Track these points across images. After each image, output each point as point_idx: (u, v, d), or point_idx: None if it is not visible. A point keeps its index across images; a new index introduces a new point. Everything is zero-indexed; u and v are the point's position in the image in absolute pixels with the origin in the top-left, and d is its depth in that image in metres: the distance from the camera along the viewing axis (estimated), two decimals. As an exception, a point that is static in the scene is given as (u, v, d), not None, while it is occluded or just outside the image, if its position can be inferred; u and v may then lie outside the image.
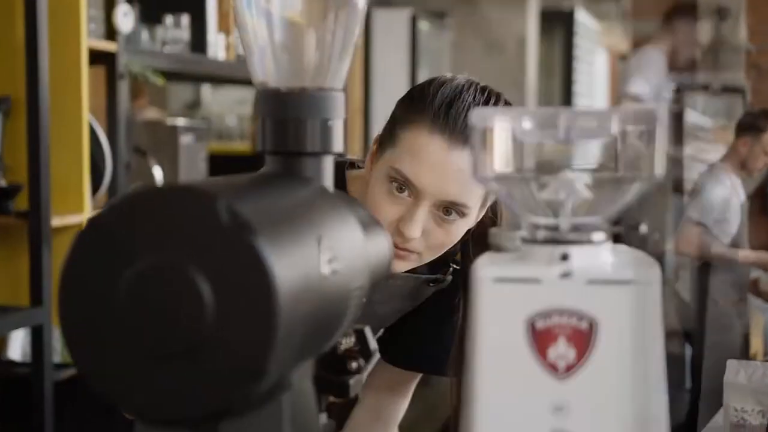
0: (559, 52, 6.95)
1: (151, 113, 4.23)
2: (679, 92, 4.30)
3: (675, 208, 4.66)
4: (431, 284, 1.42)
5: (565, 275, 0.66)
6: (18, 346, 2.70)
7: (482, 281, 0.67)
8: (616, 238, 3.48)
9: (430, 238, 1.25)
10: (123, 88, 2.58)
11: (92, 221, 0.61)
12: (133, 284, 0.60)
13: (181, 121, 3.12)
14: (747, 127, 4.18)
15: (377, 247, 0.81)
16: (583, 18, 7.14)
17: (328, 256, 0.67)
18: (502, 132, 0.68)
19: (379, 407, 1.54)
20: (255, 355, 0.59)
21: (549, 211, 0.69)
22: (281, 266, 0.59)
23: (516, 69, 5.46)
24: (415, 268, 1.38)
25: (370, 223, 0.82)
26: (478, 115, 0.68)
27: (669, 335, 4.22)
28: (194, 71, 3.14)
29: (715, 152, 4.31)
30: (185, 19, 2.96)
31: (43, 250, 2.22)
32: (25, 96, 2.29)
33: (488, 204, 1.31)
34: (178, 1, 3.00)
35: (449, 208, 1.23)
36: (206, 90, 5.20)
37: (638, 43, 9.27)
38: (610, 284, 0.65)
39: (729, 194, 3.96)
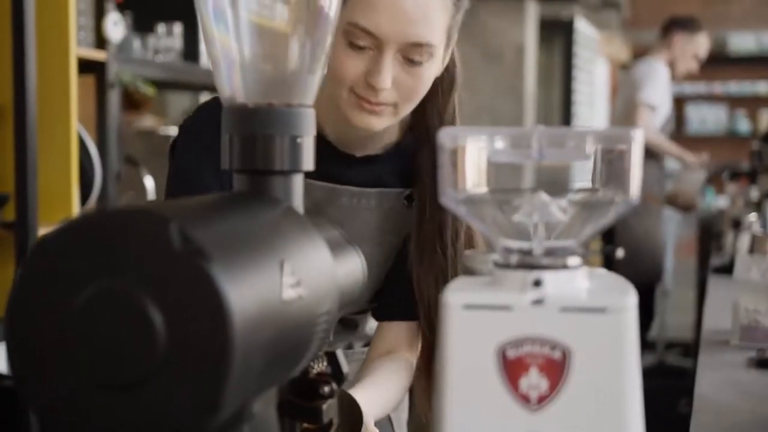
0: (559, 61, 6.92)
1: (148, 121, 4.20)
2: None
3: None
4: (406, 201, 1.36)
5: (538, 302, 0.63)
6: (4, 358, 2.67)
7: (451, 308, 0.64)
8: (608, 262, 3.50)
9: (401, 87, 1.22)
10: (113, 98, 2.56)
11: (41, 244, 0.58)
12: (82, 311, 0.57)
13: (174, 131, 3.09)
14: (683, 25, 4.26)
15: (347, 268, 0.78)
16: (582, 27, 7.12)
17: (292, 281, 0.64)
18: (474, 152, 0.65)
19: (392, 365, 1.36)
20: (209, 386, 0.56)
21: (522, 233, 0.67)
22: (237, 293, 0.57)
23: (515, 78, 5.43)
24: (386, 183, 1.34)
25: (340, 245, 0.79)
26: (447, 134, 0.65)
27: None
28: (186, 80, 3.12)
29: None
30: (178, 28, 2.93)
31: (30, 262, 2.19)
32: (13, 104, 2.26)
33: (452, 45, 1.29)
34: (170, 10, 2.98)
35: (413, 57, 1.20)
36: (206, 98, 5.17)
37: (638, 51, 9.29)
38: (584, 312, 0.62)
39: (665, 83, 4.11)
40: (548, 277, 0.64)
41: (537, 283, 0.64)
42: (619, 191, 0.65)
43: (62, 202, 2.37)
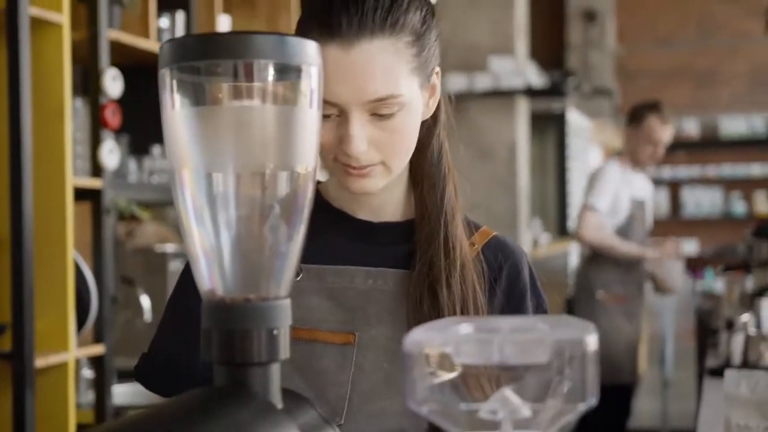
0: (552, 152, 7.02)
1: (150, 228, 4.24)
2: None
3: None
4: None
5: (504, 504, 0.65)
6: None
7: None
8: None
9: (380, 144, 1.15)
10: (108, 223, 2.61)
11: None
12: None
13: (170, 248, 3.13)
14: (630, 118, 4.38)
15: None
16: (574, 117, 7.23)
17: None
18: (437, 354, 0.68)
19: None
20: None
21: (488, 425, 0.69)
22: None
23: (508, 174, 5.50)
24: (406, 263, 1.24)
25: (316, 427, 0.81)
26: (412, 340, 0.68)
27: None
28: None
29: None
30: (172, 149, 2.99)
31: (27, 393, 2.21)
32: (10, 235, 2.30)
33: (433, 80, 1.22)
34: (165, 131, 3.04)
35: (382, 112, 1.14)
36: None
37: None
38: None
39: (618, 186, 4.17)
40: (514, 475, 0.66)
41: (503, 484, 0.66)
42: (579, 390, 0.68)
43: (58, 331, 2.39)
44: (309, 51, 0.78)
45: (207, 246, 0.79)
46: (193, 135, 0.78)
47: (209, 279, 0.79)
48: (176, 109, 0.78)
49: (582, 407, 0.69)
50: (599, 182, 4.18)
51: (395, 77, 1.15)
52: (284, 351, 0.78)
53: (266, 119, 0.78)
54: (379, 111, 1.14)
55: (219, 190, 0.78)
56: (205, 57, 0.76)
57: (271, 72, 0.77)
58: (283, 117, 0.79)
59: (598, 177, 4.23)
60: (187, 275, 1.29)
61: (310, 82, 0.78)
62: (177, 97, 0.77)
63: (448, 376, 0.70)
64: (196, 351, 1.24)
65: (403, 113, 1.16)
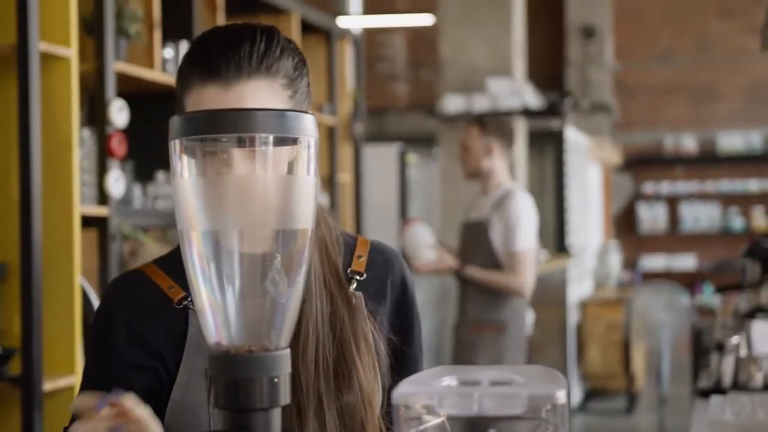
0: (551, 170, 7.08)
1: (153, 249, 4.29)
2: None
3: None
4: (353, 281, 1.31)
5: None
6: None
7: None
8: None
9: None
10: (114, 250, 2.68)
11: None
12: None
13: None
14: None
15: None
16: (572, 135, 7.30)
17: None
18: (422, 406, 0.75)
19: None
20: None
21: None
22: None
23: (506, 193, 5.54)
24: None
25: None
26: (399, 393, 0.75)
27: None
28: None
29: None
30: (176, 175, 3.06)
31: (35, 416, 2.28)
32: (19, 262, 2.38)
33: None
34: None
35: None
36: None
37: (629, 153, 9.48)
38: None
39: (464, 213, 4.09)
40: None
41: None
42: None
43: (66, 355, 2.47)
44: (306, 124, 0.85)
45: (213, 301, 0.86)
46: (200, 200, 0.86)
47: (215, 331, 0.86)
48: (185, 177, 0.85)
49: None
50: None
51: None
52: (284, 397, 0.86)
53: (268, 186, 0.86)
54: None
55: (224, 250, 0.85)
56: (211, 131, 0.84)
57: (271, 143, 0.84)
58: (282, 183, 0.87)
59: None
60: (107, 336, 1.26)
61: (308, 151, 0.86)
62: (185, 166, 0.85)
63: (432, 424, 0.77)
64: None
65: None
